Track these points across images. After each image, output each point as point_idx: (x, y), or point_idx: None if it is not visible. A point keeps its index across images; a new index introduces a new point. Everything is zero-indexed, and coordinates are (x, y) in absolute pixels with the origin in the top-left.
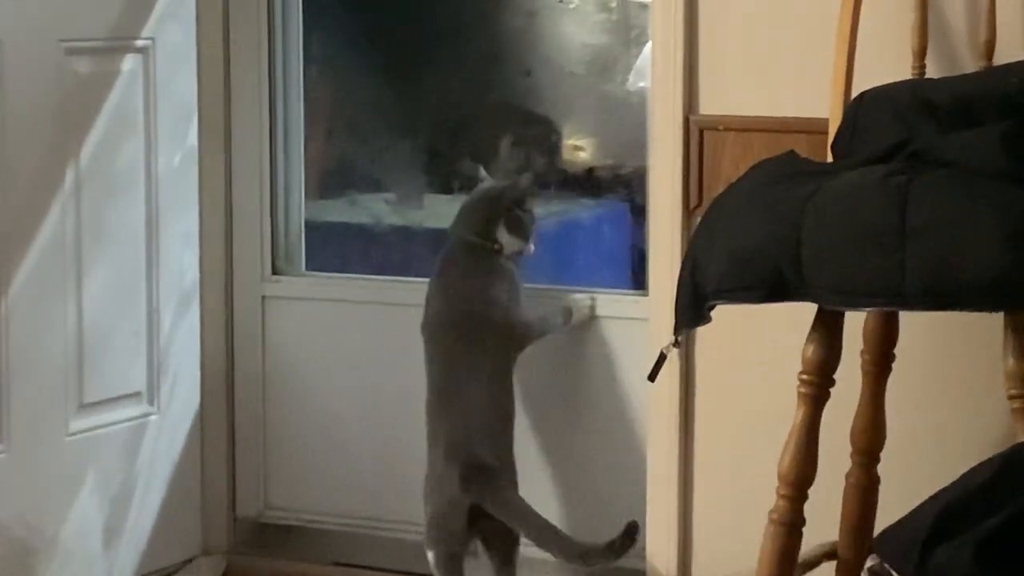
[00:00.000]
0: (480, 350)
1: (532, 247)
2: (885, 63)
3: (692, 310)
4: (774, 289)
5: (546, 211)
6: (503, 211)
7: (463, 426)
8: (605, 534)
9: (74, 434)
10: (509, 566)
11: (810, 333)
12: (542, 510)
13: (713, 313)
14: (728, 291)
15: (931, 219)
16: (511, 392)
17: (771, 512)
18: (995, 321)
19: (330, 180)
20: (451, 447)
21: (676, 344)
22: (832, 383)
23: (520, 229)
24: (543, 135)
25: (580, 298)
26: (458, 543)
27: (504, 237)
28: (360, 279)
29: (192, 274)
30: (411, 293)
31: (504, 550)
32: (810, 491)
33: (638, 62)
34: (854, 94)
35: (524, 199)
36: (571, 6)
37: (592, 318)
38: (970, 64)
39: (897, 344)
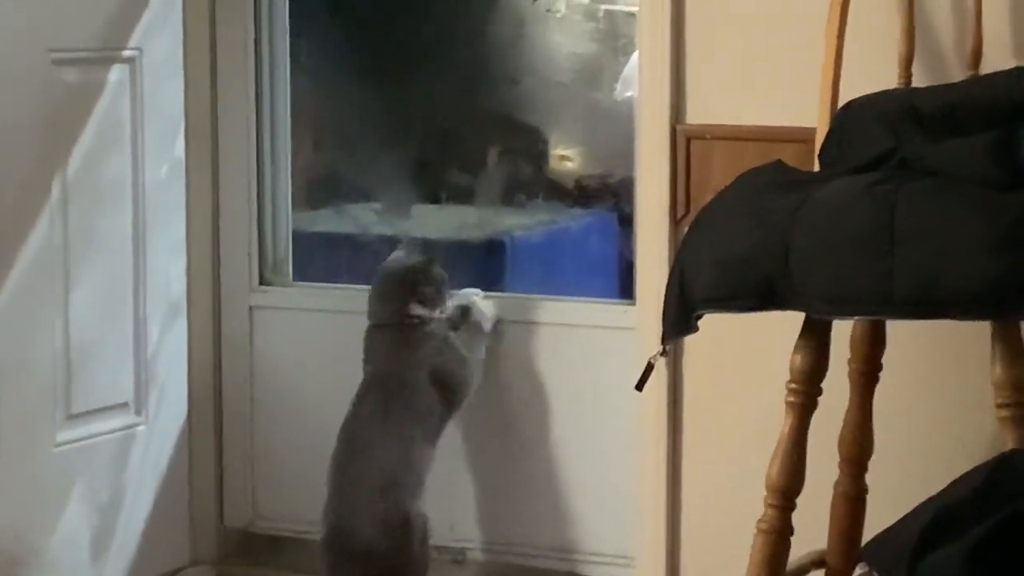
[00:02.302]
0: (404, 416)
1: (444, 314)
2: (872, 72)
3: (679, 319)
4: (762, 298)
5: (533, 220)
6: (412, 291)
7: (355, 490)
8: (591, 544)
9: (61, 444)
10: None
11: (798, 342)
12: (530, 520)
13: (700, 322)
14: (716, 300)
15: (919, 228)
16: (428, 457)
17: (759, 521)
18: (983, 329)
19: (317, 190)
20: (337, 508)
21: (663, 353)
22: (820, 392)
23: (432, 301)
24: (530, 144)
25: (468, 294)
26: None
27: (419, 310)
28: (348, 289)
29: (179, 284)
30: None
31: None
32: (798, 500)
33: (625, 71)
34: (841, 103)
35: (429, 274)
36: (558, 16)
37: (490, 315)
38: (957, 73)
39: (885, 353)
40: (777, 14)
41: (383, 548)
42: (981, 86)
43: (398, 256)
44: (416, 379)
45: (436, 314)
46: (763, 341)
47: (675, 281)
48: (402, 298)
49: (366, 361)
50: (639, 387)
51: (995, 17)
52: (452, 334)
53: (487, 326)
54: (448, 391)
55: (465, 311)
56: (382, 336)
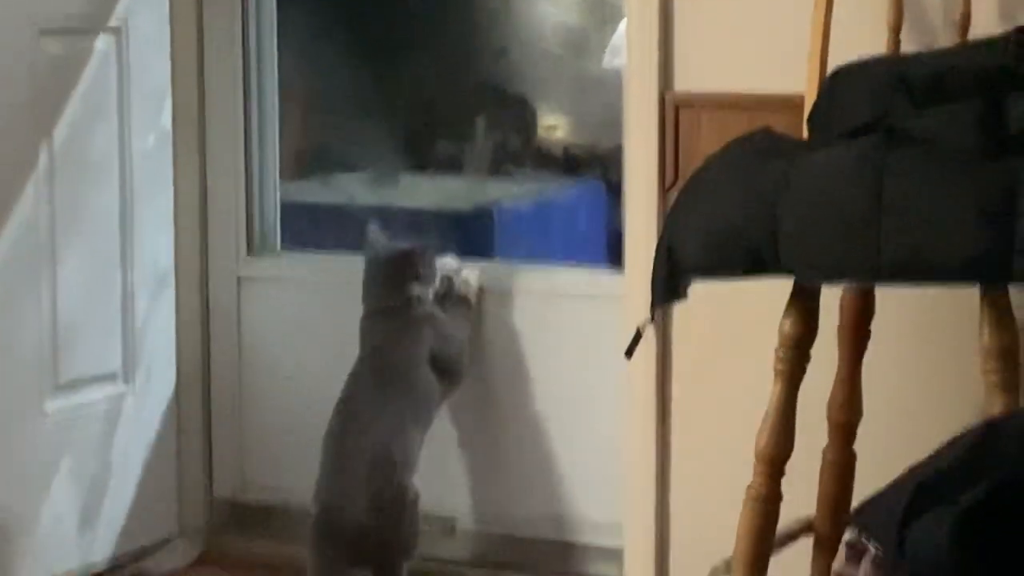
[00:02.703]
0: (399, 399)
1: (437, 282)
2: (861, 38)
3: (668, 287)
4: (750, 265)
5: (521, 190)
6: (412, 273)
7: (348, 472)
8: (580, 509)
9: (50, 415)
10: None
11: (786, 309)
12: (519, 490)
13: (689, 290)
14: (704, 268)
15: (907, 195)
16: (421, 438)
17: (748, 487)
18: (971, 296)
19: (305, 160)
20: (330, 494)
21: (652, 321)
22: (808, 359)
23: (429, 280)
24: (518, 114)
25: (448, 262)
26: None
27: (418, 290)
28: (336, 258)
29: (167, 255)
30: None
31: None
32: (787, 466)
33: (613, 40)
34: (830, 70)
35: (427, 255)
36: None
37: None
38: (945, 39)
39: (873, 320)
40: None
41: (375, 524)
42: (969, 53)
43: (381, 240)
44: (414, 361)
45: (431, 292)
46: (752, 308)
47: (663, 249)
48: (404, 280)
49: (363, 345)
50: (628, 355)
51: None
52: (443, 315)
53: (472, 297)
54: (447, 375)
55: (449, 282)
56: (381, 320)
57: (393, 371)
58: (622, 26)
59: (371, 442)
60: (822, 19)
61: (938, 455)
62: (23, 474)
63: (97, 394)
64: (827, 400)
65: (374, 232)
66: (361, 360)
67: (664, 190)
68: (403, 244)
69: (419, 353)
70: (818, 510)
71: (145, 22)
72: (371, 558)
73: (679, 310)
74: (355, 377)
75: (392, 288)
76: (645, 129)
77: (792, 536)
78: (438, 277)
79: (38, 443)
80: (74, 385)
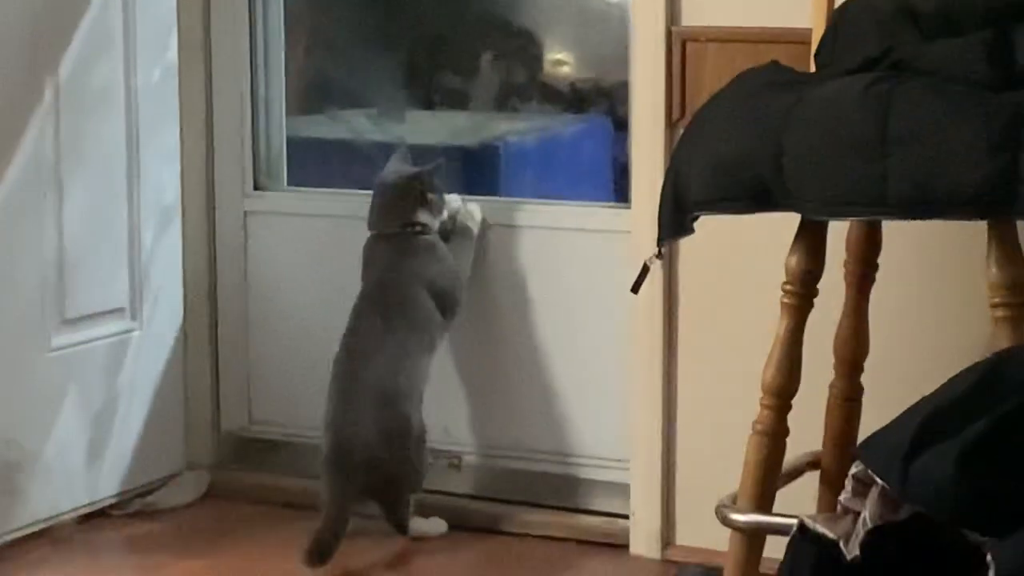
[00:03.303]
0: (403, 328)
1: (445, 215)
2: None
3: (675, 221)
4: (757, 199)
5: (528, 125)
6: (419, 198)
7: (356, 403)
8: (586, 447)
9: (56, 350)
10: (400, 506)
11: (793, 243)
12: (525, 424)
13: (696, 224)
14: (711, 202)
15: (914, 127)
16: (426, 369)
17: (755, 422)
18: (978, 229)
19: (311, 95)
20: (337, 421)
21: (659, 256)
22: (815, 293)
23: (436, 208)
24: (524, 49)
25: (452, 200)
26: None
27: (425, 217)
28: (342, 194)
29: (173, 190)
30: None
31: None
32: (794, 401)
33: None
34: (837, 3)
35: (433, 182)
36: None
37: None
38: None
39: (880, 254)
40: None
41: (384, 456)
42: None
43: (396, 166)
44: (414, 289)
45: (437, 221)
46: (759, 242)
47: (670, 183)
48: (408, 206)
49: (365, 271)
50: (635, 290)
51: None
52: (443, 245)
53: (475, 230)
54: (442, 302)
55: (452, 216)
56: (384, 245)
57: (394, 298)
58: None
59: (375, 371)
60: None
61: (943, 390)
62: (30, 410)
63: (104, 328)
64: (834, 335)
65: (397, 157)
66: (364, 288)
67: (671, 124)
68: (412, 168)
69: (419, 281)
70: (824, 445)
71: None
72: (379, 490)
73: (686, 244)
74: (358, 306)
75: (397, 213)
76: (652, 64)
77: (798, 471)
78: (444, 203)
79: (45, 379)
80: (81, 319)
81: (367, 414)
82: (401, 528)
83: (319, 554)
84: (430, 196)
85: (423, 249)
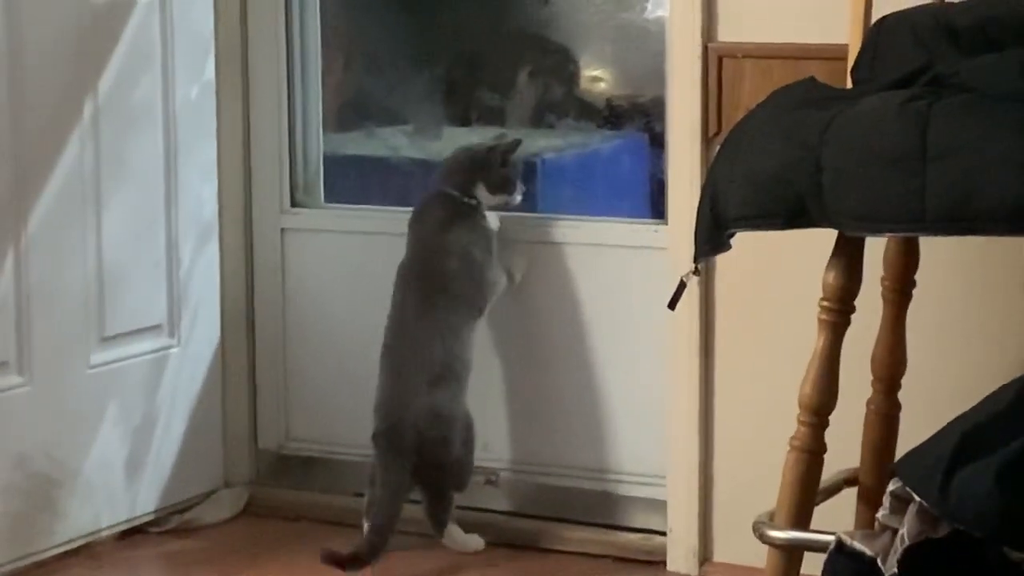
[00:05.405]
0: (444, 303)
1: (519, 197)
2: None
3: (712, 238)
4: (794, 216)
5: (565, 142)
6: (486, 170)
7: (405, 382)
8: (624, 463)
9: (95, 367)
10: (442, 501)
11: (830, 260)
12: (563, 441)
13: (733, 240)
14: (747, 218)
15: (951, 144)
16: (468, 347)
17: (792, 439)
18: (1016, 246)
19: (348, 112)
20: (388, 401)
21: (696, 272)
22: (853, 310)
23: (505, 186)
24: (561, 65)
25: (519, 261)
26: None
27: (483, 194)
28: (379, 211)
29: (211, 207)
30: None
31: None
32: (831, 418)
33: None
34: (874, 19)
35: (508, 158)
36: None
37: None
38: None
39: (918, 270)
40: None
41: (432, 438)
42: (1016, 2)
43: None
44: (450, 261)
45: (497, 199)
46: (796, 259)
47: (707, 200)
48: (469, 175)
49: (410, 231)
50: (672, 306)
51: None
52: (491, 227)
53: (517, 278)
54: (470, 273)
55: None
56: (431, 209)
57: (429, 269)
58: None
59: (419, 349)
60: None
61: (981, 406)
62: (70, 425)
63: (142, 345)
64: (871, 352)
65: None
66: (404, 258)
67: (707, 140)
68: (493, 142)
69: (451, 251)
70: (862, 462)
71: None
72: (426, 478)
73: (723, 260)
74: (399, 284)
75: (455, 176)
76: (688, 80)
77: (836, 488)
78: (515, 186)
79: (84, 396)
80: (119, 336)
81: (414, 396)
82: (439, 525)
83: (369, 551)
84: (500, 172)
85: (464, 223)
